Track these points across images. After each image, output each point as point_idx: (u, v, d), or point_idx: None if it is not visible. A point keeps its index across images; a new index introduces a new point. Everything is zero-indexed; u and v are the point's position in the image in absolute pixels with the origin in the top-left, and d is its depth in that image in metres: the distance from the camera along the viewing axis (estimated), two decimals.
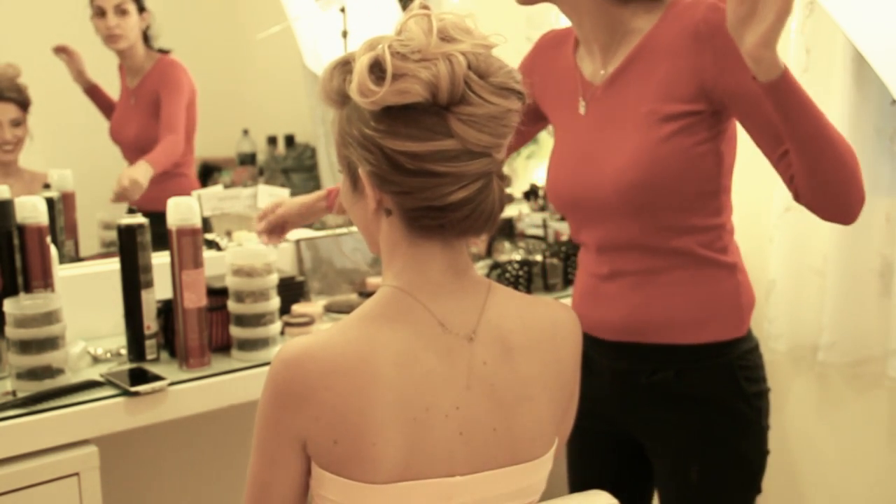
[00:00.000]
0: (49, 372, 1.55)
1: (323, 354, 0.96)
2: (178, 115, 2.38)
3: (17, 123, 2.14)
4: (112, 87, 2.49)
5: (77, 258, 2.11)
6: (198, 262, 1.67)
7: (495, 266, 2.24)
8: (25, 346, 1.53)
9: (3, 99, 2.12)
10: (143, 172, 2.24)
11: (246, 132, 2.80)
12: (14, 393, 1.52)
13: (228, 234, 2.22)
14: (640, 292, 1.40)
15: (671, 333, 1.39)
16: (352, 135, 0.99)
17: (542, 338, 1.05)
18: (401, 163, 0.95)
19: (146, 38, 2.41)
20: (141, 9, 2.36)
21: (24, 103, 2.16)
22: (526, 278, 2.20)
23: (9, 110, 2.12)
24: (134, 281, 1.68)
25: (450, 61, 0.93)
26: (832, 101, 2.09)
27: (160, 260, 1.73)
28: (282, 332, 1.83)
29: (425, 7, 0.98)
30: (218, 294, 1.77)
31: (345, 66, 1.00)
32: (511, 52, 1.08)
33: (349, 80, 0.97)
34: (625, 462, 1.52)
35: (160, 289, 1.73)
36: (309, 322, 1.86)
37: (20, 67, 2.20)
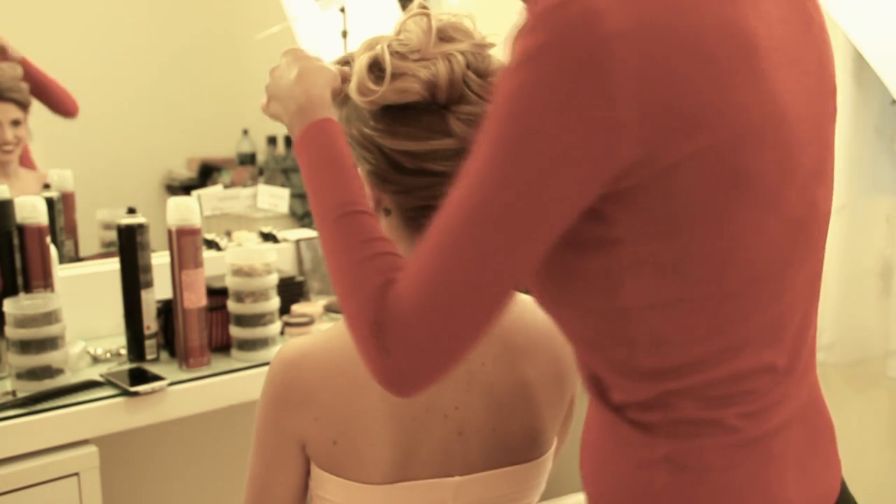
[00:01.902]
0: (49, 372, 1.55)
1: (322, 355, 0.96)
2: None
3: (18, 124, 2.14)
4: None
5: (77, 258, 2.11)
6: (198, 262, 1.67)
7: None
8: (25, 346, 1.53)
9: (4, 99, 2.11)
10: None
11: (246, 132, 2.81)
12: (14, 393, 1.52)
13: (228, 234, 2.22)
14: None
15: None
16: (351, 134, 0.99)
17: (541, 339, 1.05)
18: (400, 162, 0.95)
19: None
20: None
21: (24, 104, 2.15)
22: None
23: (10, 110, 2.12)
24: (134, 281, 1.68)
25: (449, 61, 0.93)
26: None
27: (160, 260, 1.74)
28: (282, 332, 1.83)
29: (424, 7, 0.98)
30: (218, 294, 1.77)
31: (343, 66, 1.00)
32: None
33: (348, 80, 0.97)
34: None
35: (160, 289, 1.73)
36: (309, 322, 1.86)
37: (21, 68, 2.20)
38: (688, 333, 0.79)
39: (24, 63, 2.23)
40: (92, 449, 1.50)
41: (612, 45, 0.69)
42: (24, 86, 2.15)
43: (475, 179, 0.75)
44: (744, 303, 0.80)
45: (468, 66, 0.95)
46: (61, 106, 2.31)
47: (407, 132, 0.94)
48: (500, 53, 0.99)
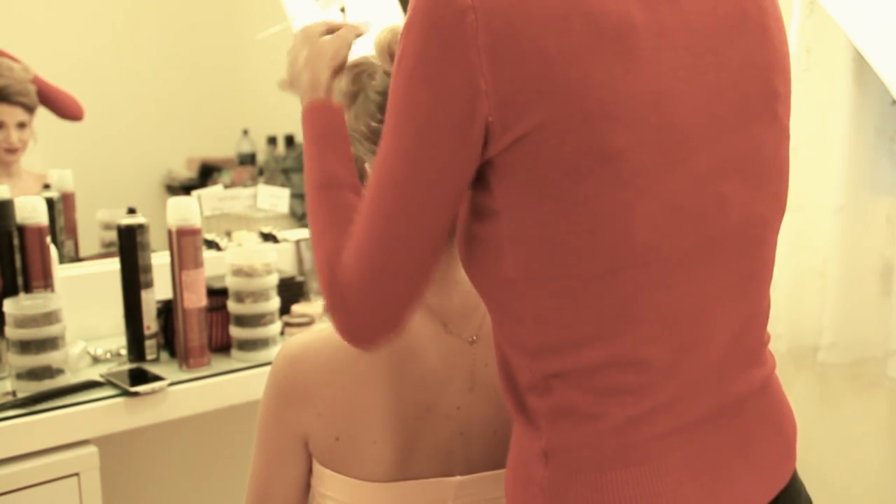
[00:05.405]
0: (49, 372, 1.55)
1: (325, 351, 0.96)
2: None
3: (23, 126, 2.14)
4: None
5: (77, 258, 2.11)
6: (198, 262, 1.67)
7: None
8: (25, 347, 1.53)
9: (11, 102, 2.10)
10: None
11: (246, 132, 2.80)
12: (14, 393, 1.52)
13: (228, 234, 2.22)
14: None
15: None
16: (359, 130, 0.99)
17: None
18: None
19: None
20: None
21: (31, 107, 2.15)
22: None
23: (16, 113, 2.11)
24: (134, 281, 1.68)
25: None
26: (832, 101, 2.09)
27: (160, 260, 1.74)
28: (282, 333, 1.83)
29: None
30: (218, 294, 1.77)
31: (352, 68, 1.01)
32: None
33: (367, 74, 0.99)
34: None
35: (160, 289, 1.73)
36: (309, 322, 1.86)
37: (33, 71, 2.19)
38: (565, 311, 0.79)
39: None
40: (92, 449, 1.49)
41: (466, 17, 0.75)
42: (33, 89, 2.14)
43: (380, 152, 0.83)
44: (621, 286, 0.78)
45: None
46: (68, 112, 2.32)
47: None
48: None
